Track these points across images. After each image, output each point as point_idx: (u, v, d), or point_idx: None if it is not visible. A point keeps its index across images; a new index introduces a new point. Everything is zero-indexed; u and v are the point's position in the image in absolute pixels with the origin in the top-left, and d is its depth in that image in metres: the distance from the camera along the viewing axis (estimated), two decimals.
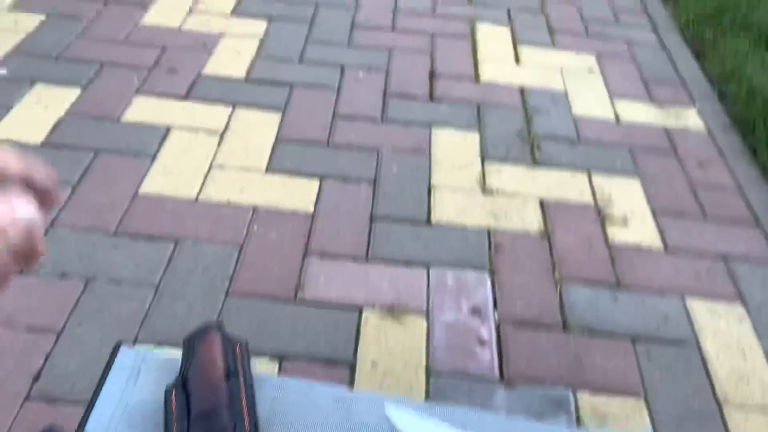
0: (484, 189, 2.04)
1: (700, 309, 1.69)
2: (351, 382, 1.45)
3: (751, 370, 1.55)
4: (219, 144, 2.10)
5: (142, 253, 1.70)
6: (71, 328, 1.49)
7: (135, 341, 1.49)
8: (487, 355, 1.53)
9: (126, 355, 0.84)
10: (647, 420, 1.43)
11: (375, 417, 0.79)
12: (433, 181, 2.04)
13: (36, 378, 1.39)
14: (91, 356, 1.43)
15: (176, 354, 0.84)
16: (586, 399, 1.46)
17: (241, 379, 0.78)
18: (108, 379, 0.82)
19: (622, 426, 1.42)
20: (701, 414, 1.45)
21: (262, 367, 1.45)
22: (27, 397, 1.35)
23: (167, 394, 0.76)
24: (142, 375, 0.82)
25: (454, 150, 2.18)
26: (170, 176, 1.95)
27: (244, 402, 0.76)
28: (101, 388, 0.81)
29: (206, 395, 0.76)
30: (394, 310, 1.61)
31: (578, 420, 1.41)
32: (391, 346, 1.53)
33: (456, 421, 0.79)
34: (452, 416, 0.80)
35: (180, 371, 0.78)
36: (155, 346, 1.48)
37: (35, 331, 1.48)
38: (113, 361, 0.83)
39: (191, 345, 0.80)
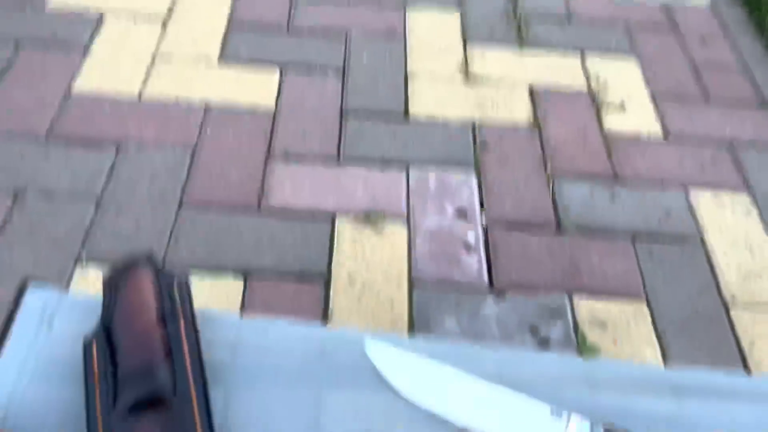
0: (467, 76, 1.83)
1: (704, 201, 1.56)
2: (326, 299, 1.30)
3: (760, 266, 1.44)
4: (162, 31, 1.85)
5: (79, 162, 1.49)
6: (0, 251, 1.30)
7: (76, 264, 1.30)
8: (475, 262, 1.39)
9: (35, 298, 0.66)
10: (650, 325, 1.32)
11: (351, 357, 0.64)
12: (409, 69, 1.84)
13: None
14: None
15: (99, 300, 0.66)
16: (583, 305, 1.34)
17: (182, 323, 0.61)
18: (13, 326, 0.64)
19: (623, 330, 1.31)
20: (707, 315, 1.35)
21: (226, 287, 1.30)
22: None
23: (86, 347, 0.59)
24: (57, 322, 0.65)
25: (432, 33, 1.96)
26: (107, 71, 1.72)
27: (186, 352, 0.59)
28: (5, 338, 0.63)
29: (136, 347, 0.59)
30: (370, 217, 1.45)
31: (576, 329, 1.30)
32: (369, 257, 1.38)
33: (443, 357, 0.65)
34: (439, 352, 0.66)
35: (101, 317, 0.61)
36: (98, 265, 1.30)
37: None
38: (19, 304, 0.66)
39: (114, 286, 0.62)
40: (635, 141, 1.69)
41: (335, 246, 1.39)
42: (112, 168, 1.48)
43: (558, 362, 0.66)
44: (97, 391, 0.57)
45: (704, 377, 0.65)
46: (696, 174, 1.63)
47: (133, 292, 0.61)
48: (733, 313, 1.35)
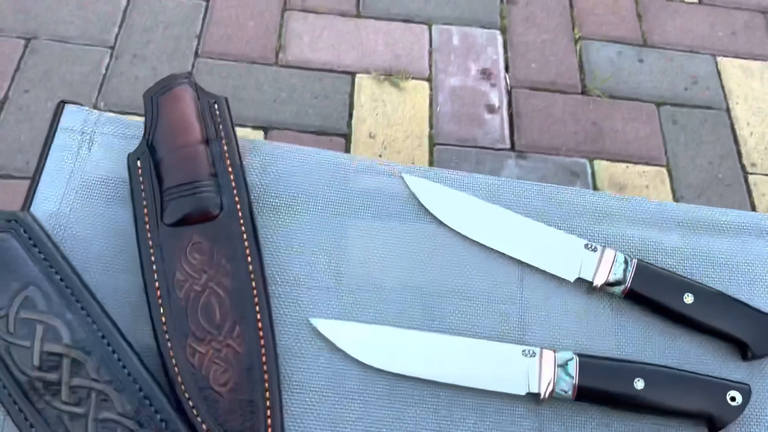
0: None
1: (732, 69, 1.52)
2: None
3: None
4: None
5: (90, 8, 1.42)
6: (16, 95, 1.28)
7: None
8: (497, 123, 1.37)
9: (74, 117, 0.66)
10: (668, 188, 1.32)
11: (380, 183, 0.65)
12: None
13: None
14: (43, 127, 1.23)
15: (139, 120, 0.66)
16: (603, 168, 1.34)
17: (223, 143, 0.61)
18: (53, 146, 0.64)
19: (640, 193, 1.31)
20: (725, 181, 1.35)
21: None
22: None
23: (131, 162, 0.60)
24: (97, 141, 0.64)
25: None
26: None
27: (230, 170, 0.60)
28: (46, 158, 0.63)
29: (182, 164, 0.59)
30: (391, 75, 1.41)
31: (594, 190, 1.30)
32: (390, 114, 1.36)
33: (477, 190, 0.65)
34: (473, 184, 0.66)
35: (145, 135, 0.60)
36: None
37: None
38: (58, 124, 0.65)
39: (156, 102, 0.61)
40: (667, 4, 1.61)
41: (355, 102, 1.36)
42: (124, 15, 1.42)
43: (570, 194, 0.66)
44: (145, 207, 0.58)
45: (713, 213, 0.66)
46: (727, 40, 1.57)
47: (175, 110, 0.60)
48: (751, 179, 1.35)
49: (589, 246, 0.62)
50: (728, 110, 1.44)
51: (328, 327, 0.57)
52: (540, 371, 0.56)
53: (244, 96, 1.34)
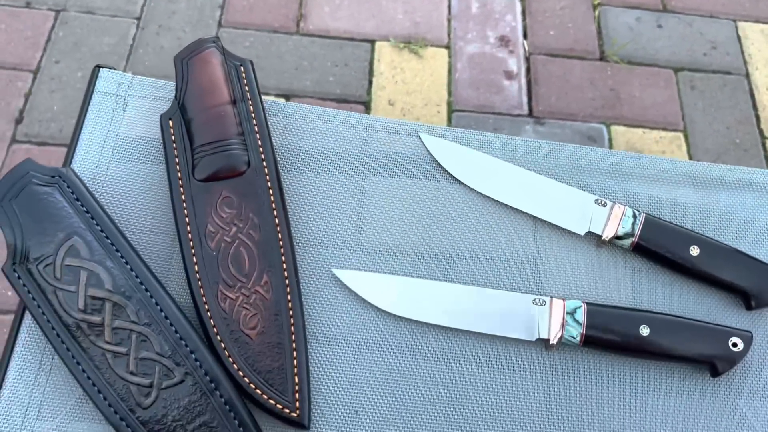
0: None
1: (753, 35, 1.51)
2: None
3: None
4: None
5: None
6: (48, 66, 1.32)
7: None
8: (515, 89, 1.39)
9: (109, 81, 0.69)
10: (685, 153, 1.33)
11: (400, 142, 0.68)
12: None
13: (19, 121, 1.26)
14: (74, 96, 1.28)
15: (169, 82, 0.69)
16: (620, 133, 1.35)
17: (250, 103, 0.64)
18: (90, 108, 0.68)
19: None
20: (742, 147, 1.36)
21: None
22: (12, 140, 1.23)
23: (164, 122, 0.63)
24: (131, 103, 0.68)
25: None
26: None
27: (256, 130, 0.63)
28: (84, 120, 0.67)
29: (211, 123, 0.62)
30: (411, 42, 1.43)
31: None
32: (409, 82, 1.38)
33: (489, 148, 0.68)
34: (485, 142, 0.68)
35: (176, 96, 0.64)
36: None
37: (8, 68, 1.31)
38: (93, 87, 0.69)
39: (186, 65, 0.64)
40: None
41: (375, 70, 1.39)
42: None
43: (588, 152, 0.68)
44: (177, 164, 0.62)
45: (721, 170, 0.68)
46: (748, 5, 1.56)
47: (204, 72, 0.64)
48: None
49: (599, 201, 0.65)
50: (747, 75, 1.44)
51: (349, 276, 0.61)
52: (550, 319, 0.59)
53: (265, 65, 1.37)
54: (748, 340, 0.58)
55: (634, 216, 0.63)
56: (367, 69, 1.38)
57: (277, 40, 1.41)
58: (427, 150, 0.67)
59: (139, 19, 1.40)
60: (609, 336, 0.58)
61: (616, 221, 0.63)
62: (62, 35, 1.36)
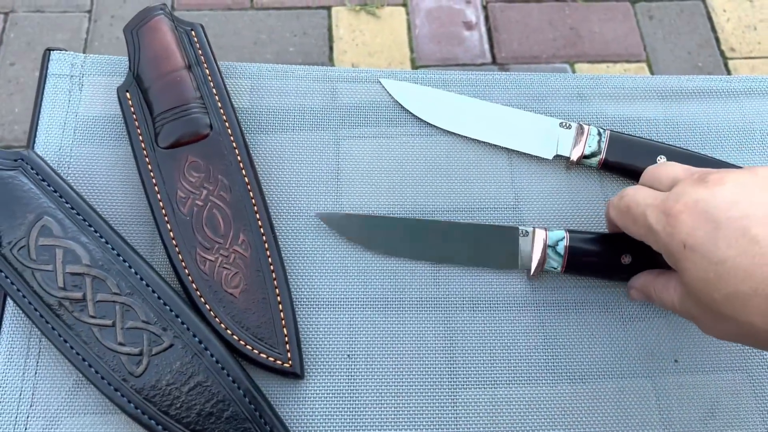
0: None
1: None
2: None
3: (759, 17, 1.43)
4: None
5: None
6: (3, 69, 1.30)
7: None
8: (476, 39, 1.39)
9: (62, 63, 0.68)
10: None
11: (367, 90, 0.67)
12: None
13: None
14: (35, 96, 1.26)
15: (123, 58, 0.68)
16: (585, 70, 1.36)
17: (205, 67, 0.63)
18: (45, 92, 0.67)
19: None
20: (705, 70, 1.37)
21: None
22: None
23: (121, 94, 0.63)
24: (87, 82, 0.67)
25: None
26: None
27: (214, 92, 0.63)
28: (40, 104, 0.67)
29: (168, 89, 0.62)
30: (367, 4, 1.42)
31: None
32: (370, 43, 1.37)
33: (452, 86, 0.68)
34: (448, 81, 0.68)
35: (130, 67, 0.63)
36: None
37: None
38: (47, 71, 0.68)
39: (136, 35, 0.64)
40: None
41: (334, 35, 1.38)
42: None
43: (549, 79, 0.69)
44: (140, 135, 0.61)
45: (683, 81, 0.69)
46: None
47: (155, 40, 0.63)
48: (731, 64, 1.37)
49: (564, 124, 0.65)
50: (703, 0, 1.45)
51: (331, 218, 0.61)
52: (532, 249, 0.59)
53: (224, 43, 1.36)
54: None
55: (599, 134, 0.64)
56: (327, 35, 1.38)
57: (233, 17, 1.40)
58: (390, 95, 0.67)
59: (90, 11, 1.38)
60: (590, 264, 0.58)
61: (582, 141, 0.64)
62: (14, 36, 1.34)
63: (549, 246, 0.59)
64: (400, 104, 0.67)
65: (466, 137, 0.66)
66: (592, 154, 0.63)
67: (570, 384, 0.57)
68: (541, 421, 0.55)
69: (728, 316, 0.43)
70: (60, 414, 0.55)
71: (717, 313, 0.44)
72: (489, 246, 0.60)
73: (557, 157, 0.64)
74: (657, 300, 0.52)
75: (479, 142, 0.66)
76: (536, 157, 0.65)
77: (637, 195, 0.49)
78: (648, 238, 0.48)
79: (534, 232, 0.60)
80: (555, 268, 0.58)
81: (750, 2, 1.44)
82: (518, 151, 0.65)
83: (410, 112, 0.67)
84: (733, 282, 0.41)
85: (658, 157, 0.63)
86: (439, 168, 0.65)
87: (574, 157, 0.64)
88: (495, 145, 0.66)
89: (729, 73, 1.35)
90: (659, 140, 0.66)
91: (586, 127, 0.64)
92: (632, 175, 0.64)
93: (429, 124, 0.66)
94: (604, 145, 0.63)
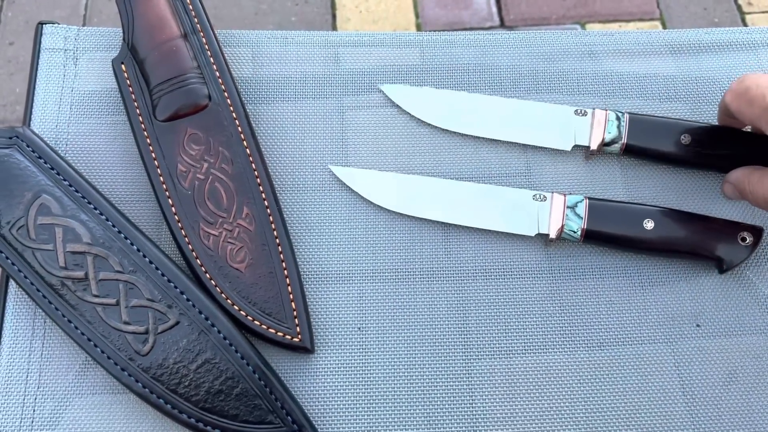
0: None
1: None
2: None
3: None
4: None
5: None
6: (2, 48, 1.28)
7: None
8: (484, 2, 1.35)
9: (55, 37, 0.66)
10: None
11: (364, 61, 0.65)
12: None
13: None
14: None
15: (117, 29, 0.66)
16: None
17: (202, 35, 0.61)
18: (39, 67, 0.65)
19: None
20: (722, 26, 1.32)
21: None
22: None
23: (116, 66, 0.61)
24: (82, 56, 0.65)
25: None
26: None
27: (212, 61, 0.60)
28: (35, 80, 0.65)
29: (165, 59, 0.59)
30: None
31: None
32: (374, 10, 1.34)
33: (459, 46, 0.65)
34: (455, 40, 0.66)
35: (124, 38, 0.61)
36: None
37: None
38: (40, 46, 0.66)
39: (129, 4, 0.61)
40: None
41: (337, 3, 1.34)
42: None
43: (559, 36, 0.66)
44: (137, 108, 0.59)
45: (700, 34, 0.66)
46: None
47: (149, 8, 0.61)
48: (749, 19, 1.32)
49: (579, 111, 0.61)
50: None
51: (346, 173, 0.60)
52: (550, 213, 0.57)
53: (225, 15, 1.33)
54: (758, 234, 0.55)
55: (618, 118, 0.60)
56: (329, 3, 1.34)
57: None
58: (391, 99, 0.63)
59: None
60: (611, 230, 0.56)
61: (600, 128, 0.59)
62: (11, 15, 1.32)
63: (568, 207, 0.57)
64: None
65: (477, 137, 0.62)
66: (613, 141, 0.59)
67: (587, 351, 0.55)
68: (558, 389, 0.54)
69: None
70: (69, 395, 0.54)
71: None
72: (504, 209, 0.58)
73: (576, 147, 0.61)
74: (750, 194, 0.54)
75: (491, 140, 0.62)
76: (553, 149, 0.61)
77: (760, 79, 0.51)
78: (762, 119, 0.50)
79: (552, 196, 0.58)
80: (575, 233, 0.56)
81: None
82: (534, 146, 0.61)
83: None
84: None
85: (682, 136, 0.59)
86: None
87: (594, 145, 0.59)
88: (508, 142, 0.62)
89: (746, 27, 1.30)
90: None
91: (602, 113, 0.60)
92: (657, 157, 0.60)
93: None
94: (624, 130, 0.59)
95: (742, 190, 0.55)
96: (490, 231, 0.58)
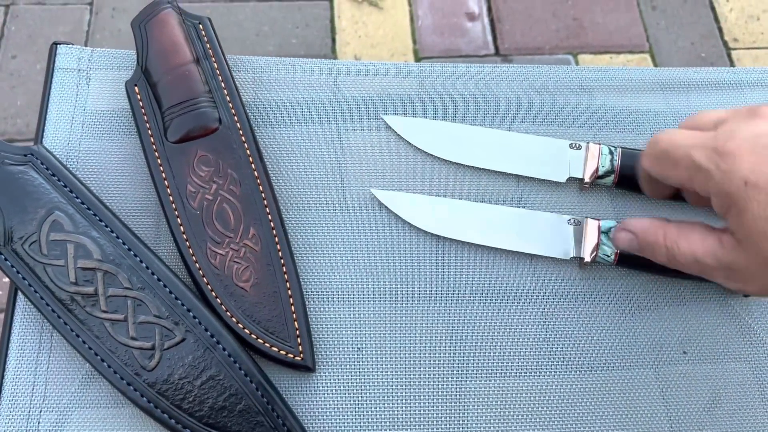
0: None
1: None
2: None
3: (762, 8, 1.43)
4: None
5: None
6: (5, 62, 1.30)
7: None
8: (479, 30, 1.39)
9: (69, 57, 0.68)
10: None
11: (362, 89, 0.67)
12: None
13: None
14: (36, 90, 1.26)
15: (130, 51, 0.68)
16: (588, 61, 1.36)
17: (213, 60, 0.63)
18: (53, 86, 0.67)
19: None
20: (709, 60, 1.37)
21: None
22: None
23: (129, 89, 0.63)
24: (94, 76, 0.67)
25: None
26: None
27: (223, 86, 0.63)
28: (48, 99, 0.67)
29: (176, 84, 0.62)
30: None
31: None
32: (372, 35, 1.37)
33: (457, 77, 0.68)
34: (454, 71, 0.68)
35: (138, 61, 0.63)
36: None
37: None
38: (54, 65, 0.68)
39: (144, 29, 0.64)
40: None
41: (336, 27, 1.37)
42: None
43: (555, 71, 0.68)
44: (149, 129, 0.61)
45: (689, 73, 0.69)
46: None
47: (163, 34, 0.63)
48: (734, 54, 1.37)
49: (574, 145, 0.63)
50: None
51: (387, 197, 0.62)
52: (585, 237, 0.59)
53: (226, 35, 1.36)
54: None
55: (611, 152, 0.62)
56: (329, 27, 1.37)
57: (235, 9, 1.39)
58: (394, 130, 0.66)
59: (91, 4, 1.38)
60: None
61: (594, 161, 0.62)
62: (15, 29, 1.33)
63: (603, 232, 0.59)
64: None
65: (474, 167, 0.64)
66: (606, 174, 0.62)
67: (578, 374, 0.57)
68: (549, 411, 0.56)
69: None
70: (71, 407, 0.55)
71: None
72: (540, 232, 0.60)
73: (570, 179, 0.63)
74: (661, 249, 0.48)
75: (488, 170, 0.64)
76: (548, 181, 0.64)
77: (675, 137, 0.46)
78: (694, 180, 0.44)
79: (586, 221, 0.60)
80: (608, 257, 0.58)
81: None
82: (529, 177, 0.64)
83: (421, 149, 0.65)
84: None
85: None
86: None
87: (588, 177, 0.62)
88: (505, 173, 0.64)
89: (732, 63, 1.35)
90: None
91: (596, 146, 0.62)
92: None
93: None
94: (617, 164, 0.61)
95: (651, 242, 0.50)
96: (487, 253, 0.61)
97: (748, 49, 1.37)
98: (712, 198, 0.44)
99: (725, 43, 1.38)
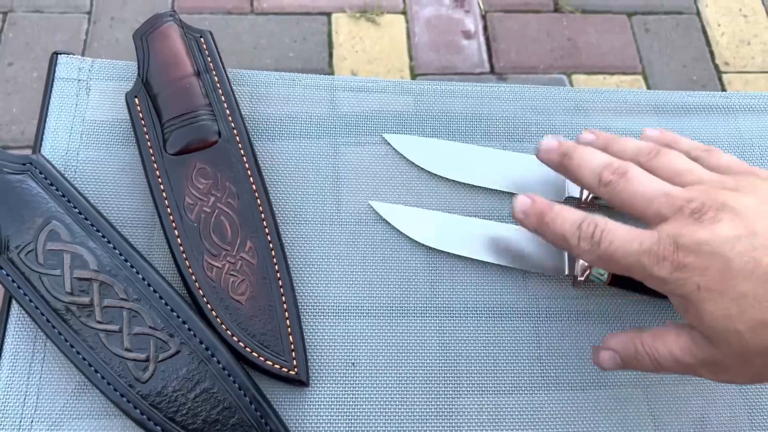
0: None
1: None
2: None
3: (753, 32, 1.45)
4: None
5: None
6: (1, 68, 1.30)
7: None
8: (475, 48, 1.40)
9: (69, 67, 0.68)
10: None
11: (359, 106, 0.68)
12: None
13: None
14: (33, 97, 1.26)
15: (130, 63, 0.69)
16: (582, 81, 1.37)
17: (214, 74, 0.64)
18: (52, 96, 0.67)
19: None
20: (700, 83, 1.39)
21: None
22: None
23: (129, 100, 0.63)
24: (94, 86, 0.67)
25: None
26: None
27: (223, 99, 0.63)
28: (47, 108, 0.67)
29: (177, 96, 0.62)
30: (366, 11, 1.43)
31: None
32: (369, 50, 1.38)
33: (453, 95, 0.68)
34: (450, 90, 0.69)
35: (139, 73, 0.64)
36: None
37: None
38: (54, 75, 0.68)
39: (145, 41, 0.64)
40: None
41: (334, 42, 1.38)
42: None
43: (551, 92, 0.69)
44: (148, 141, 0.62)
45: (683, 96, 0.70)
46: None
47: (165, 46, 0.63)
48: (725, 78, 1.39)
49: None
50: (698, 13, 1.47)
51: (386, 209, 0.62)
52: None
53: (223, 47, 1.35)
54: None
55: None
56: (326, 41, 1.38)
57: (233, 22, 1.40)
58: (395, 149, 0.66)
59: (89, 13, 1.38)
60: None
61: None
62: (12, 36, 1.33)
63: None
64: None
65: (469, 184, 0.65)
66: None
67: (570, 392, 0.58)
68: (541, 428, 0.56)
69: (756, 349, 0.42)
70: (63, 417, 0.55)
71: (743, 350, 0.42)
72: (535, 250, 0.60)
73: (569, 198, 0.63)
74: (643, 357, 0.48)
75: (483, 188, 0.65)
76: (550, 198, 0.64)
77: (615, 242, 0.45)
78: (650, 282, 0.46)
79: None
80: (602, 276, 0.58)
81: (744, 17, 1.46)
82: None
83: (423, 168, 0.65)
84: (758, 312, 0.41)
85: None
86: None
87: (587, 197, 0.62)
88: (500, 191, 0.64)
89: (723, 86, 1.37)
90: None
91: None
92: None
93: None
94: None
95: (632, 353, 0.49)
96: (481, 268, 0.61)
97: (739, 72, 1.39)
98: (669, 297, 0.46)
99: (716, 67, 1.40)
